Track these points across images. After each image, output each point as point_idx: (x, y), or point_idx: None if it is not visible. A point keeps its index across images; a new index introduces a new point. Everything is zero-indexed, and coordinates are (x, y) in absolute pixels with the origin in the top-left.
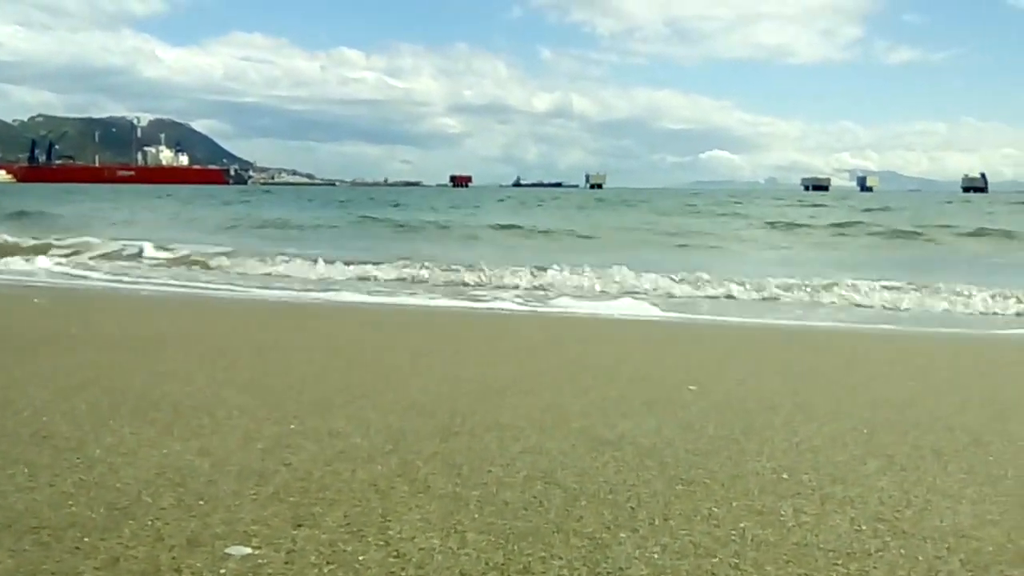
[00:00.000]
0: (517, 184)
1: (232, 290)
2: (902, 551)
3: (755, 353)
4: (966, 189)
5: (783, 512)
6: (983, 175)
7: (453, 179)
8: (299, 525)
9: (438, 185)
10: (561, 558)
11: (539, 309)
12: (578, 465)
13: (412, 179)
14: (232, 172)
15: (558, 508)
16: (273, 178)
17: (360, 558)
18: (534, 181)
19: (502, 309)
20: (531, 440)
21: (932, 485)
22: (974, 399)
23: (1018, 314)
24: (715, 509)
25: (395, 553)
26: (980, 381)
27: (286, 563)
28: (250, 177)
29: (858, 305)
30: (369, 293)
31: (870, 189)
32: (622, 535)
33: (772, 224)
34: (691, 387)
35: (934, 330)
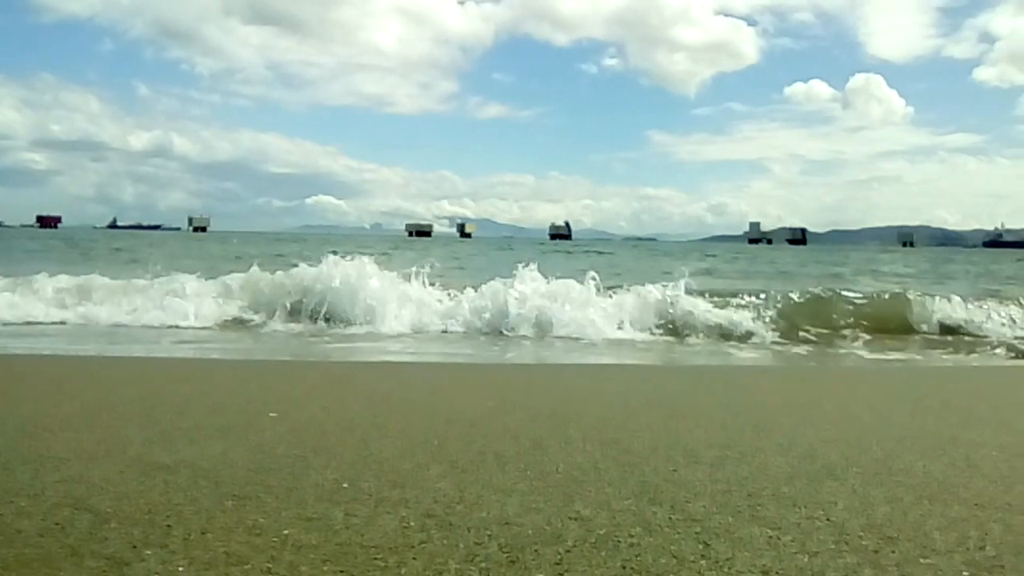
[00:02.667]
0: (113, 226)
1: None
2: (445, 541)
3: (344, 384)
4: (553, 236)
5: (333, 517)
6: (567, 223)
7: (40, 219)
8: None
9: (23, 226)
10: None
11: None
12: (119, 490)
13: None
14: None
15: (81, 532)
16: None
17: None
18: (132, 223)
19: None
20: (72, 470)
21: (487, 483)
22: (542, 412)
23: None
24: (261, 520)
25: None
26: (548, 397)
27: None
28: None
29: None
30: None
31: (469, 235)
32: (147, 552)
33: None
34: (272, 414)
35: (508, 361)
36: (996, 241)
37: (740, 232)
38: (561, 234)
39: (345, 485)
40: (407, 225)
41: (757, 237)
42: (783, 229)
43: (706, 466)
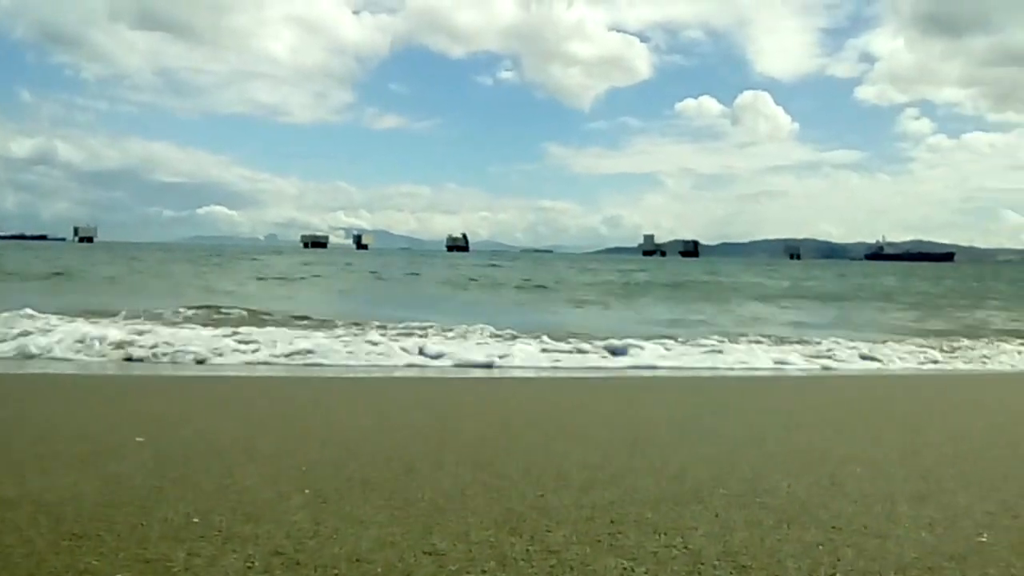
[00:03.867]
0: None
1: None
2: None
3: (224, 403)
4: (450, 248)
5: (174, 558)
6: (464, 235)
7: None
8: None
9: None
10: None
11: None
12: None
13: None
14: None
15: None
16: None
17: None
18: (14, 233)
19: None
20: None
21: (347, 514)
22: (420, 431)
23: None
24: (95, 562)
25: None
26: (429, 414)
27: None
28: None
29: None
30: None
31: (366, 246)
32: None
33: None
34: (139, 439)
35: (392, 375)
36: (877, 254)
37: (635, 244)
38: (458, 245)
39: (196, 520)
40: (303, 236)
41: (651, 249)
42: (676, 241)
43: (574, 490)
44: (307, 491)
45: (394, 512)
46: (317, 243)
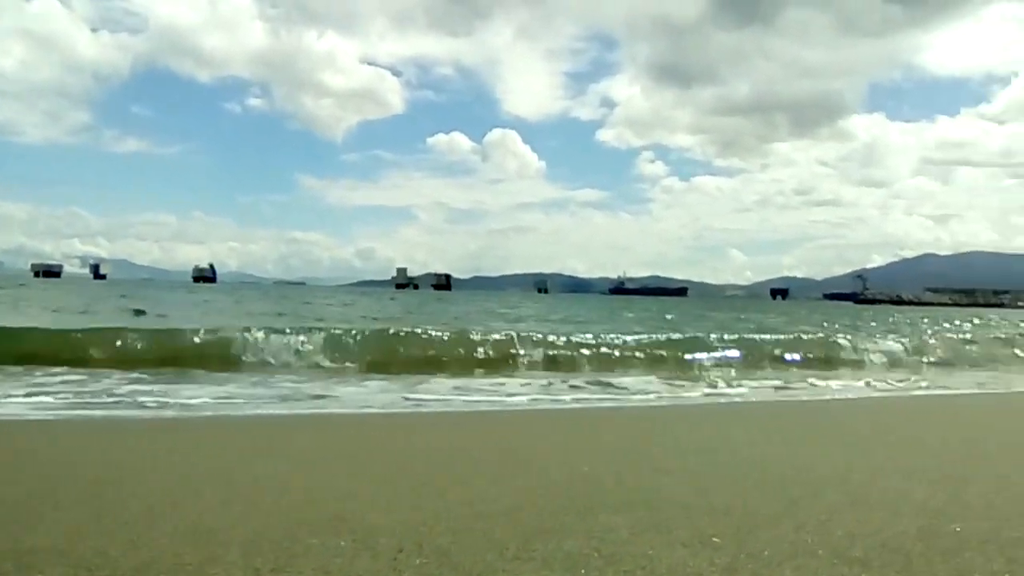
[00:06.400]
0: None
1: None
2: None
3: None
4: (196, 279)
5: None
6: (211, 265)
7: None
8: None
9: None
10: None
11: None
12: None
13: None
14: None
15: None
16: None
17: None
18: None
19: None
20: None
21: None
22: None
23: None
24: None
25: None
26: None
27: None
28: None
29: None
30: None
31: (104, 276)
32: None
33: None
34: None
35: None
36: (620, 288)
37: (388, 277)
38: (205, 276)
39: None
40: (33, 265)
41: (404, 282)
42: (429, 275)
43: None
44: None
45: None
46: (50, 272)
